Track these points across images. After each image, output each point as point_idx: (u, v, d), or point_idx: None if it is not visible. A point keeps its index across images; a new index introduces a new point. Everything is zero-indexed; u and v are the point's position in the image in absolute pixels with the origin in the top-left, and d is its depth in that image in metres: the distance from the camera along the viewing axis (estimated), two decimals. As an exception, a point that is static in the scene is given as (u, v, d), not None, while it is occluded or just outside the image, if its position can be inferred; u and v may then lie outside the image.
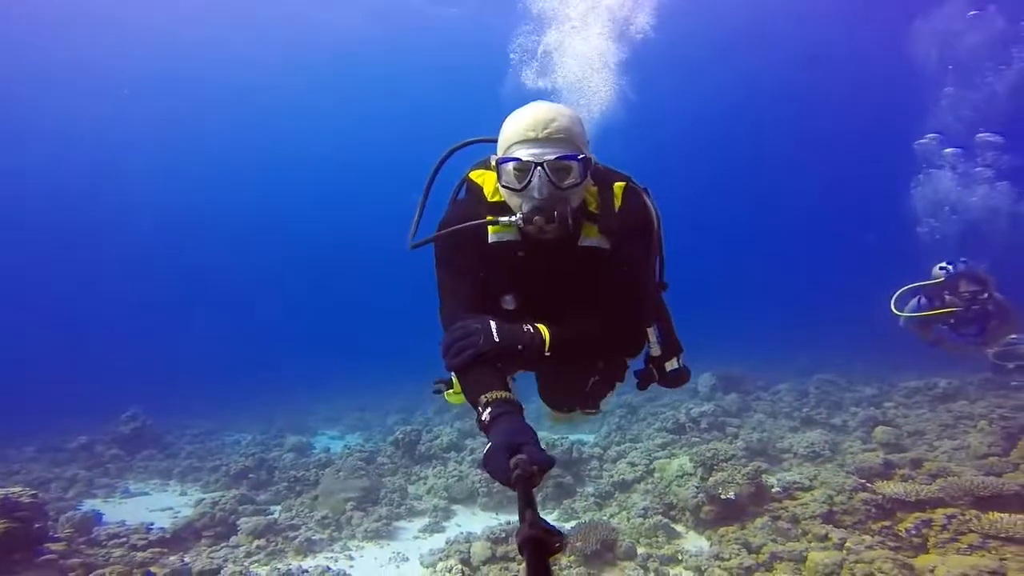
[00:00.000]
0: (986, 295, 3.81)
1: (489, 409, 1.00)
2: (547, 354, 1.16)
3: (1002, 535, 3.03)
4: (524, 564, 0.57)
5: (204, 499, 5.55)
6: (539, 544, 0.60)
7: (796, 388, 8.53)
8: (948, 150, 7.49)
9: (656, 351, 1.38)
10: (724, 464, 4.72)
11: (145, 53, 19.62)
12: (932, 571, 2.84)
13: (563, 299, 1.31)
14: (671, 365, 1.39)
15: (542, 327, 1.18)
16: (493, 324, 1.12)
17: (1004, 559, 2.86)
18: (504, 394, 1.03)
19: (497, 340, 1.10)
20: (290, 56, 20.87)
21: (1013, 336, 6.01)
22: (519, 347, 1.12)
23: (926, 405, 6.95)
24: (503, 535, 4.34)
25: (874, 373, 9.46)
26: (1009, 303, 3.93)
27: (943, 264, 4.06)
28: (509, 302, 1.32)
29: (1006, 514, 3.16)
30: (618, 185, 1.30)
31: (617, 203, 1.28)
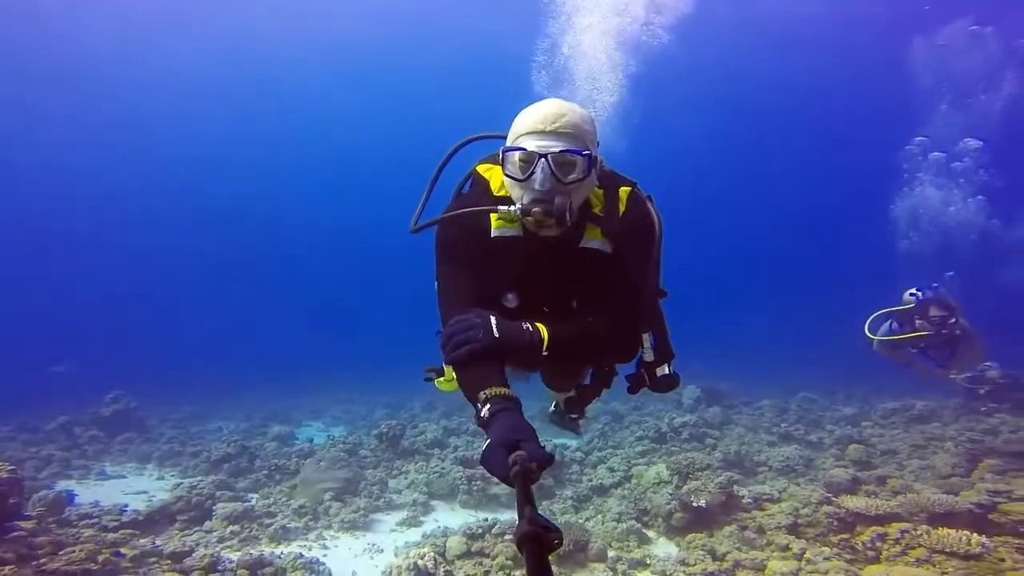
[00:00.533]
0: (954, 321, 4.01)
1: (488, 405, 1.00)
2: (544, 353, 1.17)
3: (947, 550, 3.20)
4: (524, 560, 0.59)
5: (181, 483, 5.59)
6: (538, 540, 0.61)
7: (778, 404, 8.74)
8: (933, 154, 7.76)
9: (649, 356, 1.39)
10: (699, 473, 4.88)
11: (151, 47, 19.60)
12: (879, 580, 3.00)
13: (562, 299, 1.33)
14: (662, 371, 1.41)
15: (540, 326, 1.19)
16: (493, 319, 1.12)
17: (945, 572, 3.03)
18: (503, 390, 1.03)
19: (497, 336, 1.10)
20: (295, 52, 20.96)
21: (987, 363, 6.25)
22: (517, 345, 1.13)
23: (901, 426, 7.17)
24: (480, 531, 4.44)
25: (856, 393, 9.71)
26: (974, 330, 4.15)
27: (913, 290, 4.26)
28: (511, 300, 1.33)
29: (954, 530, 3.34)
30: (623, 190, 1.32)
31: (621, 208, 1.29)
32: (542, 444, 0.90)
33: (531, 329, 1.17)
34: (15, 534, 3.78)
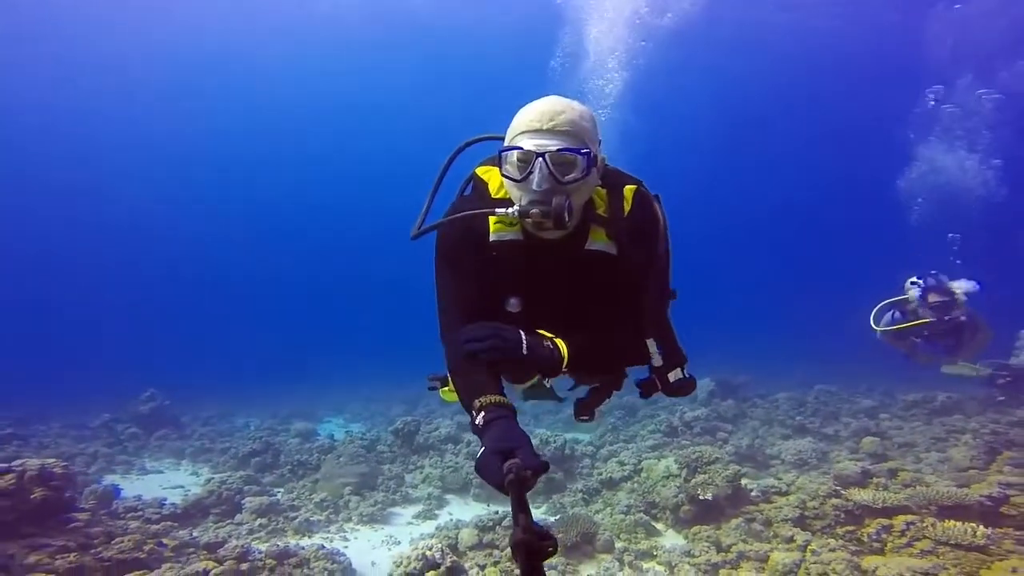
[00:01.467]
0: (956, 307, 3.96)
1: (483, 413, 1.01)
2: (564, 370, 1.18)
3: (951, 542, 3.21)
4: (518, 567, 0.61)
5: (213, 479, 5.98)
6: (532, 548, 0.62)
7: (795, 397, 8.63)
8: (947, 107, 7.46)
9: (658, 361, 1.35)
10: (707, 467, 4.94)
11: (159, 50, 20.17)
12: (875, 571, 3.03)
13: (568, 303, 1.30)
14: (675, 375, 1.37)
15: (560, 342, 1.19)
16: (524, 336, 1.14)
17: (944, 563, 3.04)
18: (498, 398, 1.04)
19: (525, 354, 1.11)
20: (291, 51, 21.34)
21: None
22: (541, 364, 1.15)
23: (922, 418, 7.02)
24: (491, 523, 4.64)
25: (879, 385, 9.48)
26: (979, 316, 4.07)
27: (914, 279, 4.21)
28: (513, 305, 1.30)
29: (960, 522, 3.33)
30: (628, 188, 1.27)
31: (626, 207, 1.25)
32: (541, 443, 0.97)
33: (551, 346, 1.18)
34: (73, 525, 4.18)
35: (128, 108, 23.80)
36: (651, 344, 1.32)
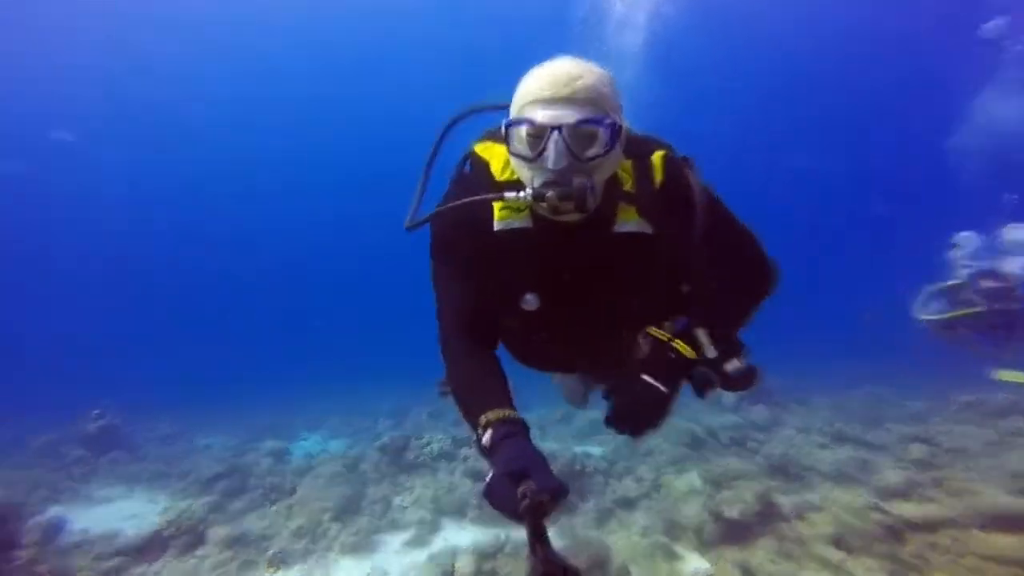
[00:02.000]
0: (1010, 293, 4.05)
1: (490, 431, 1.01)
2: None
3: (999, 557, 3.36)
4: None
5: (172, 507, 6.09)
6: None
7: (836, 401, 8.80)
8: (1008, 42, 7.46)
9: (711, 352, 1.29)
10: (735, 482, 5.09)
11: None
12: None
13: (594, 296, 1.28)
14: (732, 366, 1.31)
15: (680, 345, 1.24)
16: (646, 377, 1.21)
17: None
18: (507, 413, 1.04)
19: (667, 392, 1.22)
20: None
21: None
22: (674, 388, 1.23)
23: (975, 421, 7.18)
24: (492, 550, 4.78)
25: (928, 385, 9.63)
26: None
27: (965, 262, 4.30)
28: (530, 302, 1.27)
29: (1010, 535, 3.48)
30: (657, 156, 1.24)
31: (658, 177, 1.22)
32: (547, 457, 0.95)
33: (674, 356, 1.25)
34: (16, 564, 4.29)
35: (113, 104, 23.90)
36: (701, 334, 1.28)
